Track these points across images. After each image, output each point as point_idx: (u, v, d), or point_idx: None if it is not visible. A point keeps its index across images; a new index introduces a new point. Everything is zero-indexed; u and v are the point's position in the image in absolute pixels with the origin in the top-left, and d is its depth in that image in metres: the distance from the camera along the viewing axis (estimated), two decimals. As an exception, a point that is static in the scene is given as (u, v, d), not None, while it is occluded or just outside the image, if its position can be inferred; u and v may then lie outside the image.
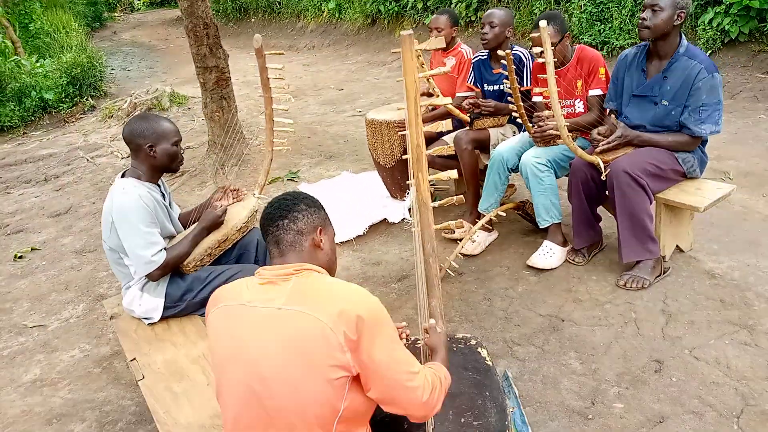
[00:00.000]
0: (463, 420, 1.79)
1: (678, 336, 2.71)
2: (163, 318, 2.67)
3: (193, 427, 2.06)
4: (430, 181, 2.18)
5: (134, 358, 2.46)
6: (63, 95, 9.64)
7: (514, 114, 3.43)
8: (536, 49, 2.86)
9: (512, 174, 3.65)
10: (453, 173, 2.38)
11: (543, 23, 2.80)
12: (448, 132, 3.73)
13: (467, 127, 3.88)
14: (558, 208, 3.40)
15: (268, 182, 5.21)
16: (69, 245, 4.70)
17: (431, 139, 3.87)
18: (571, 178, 3.28)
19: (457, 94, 4.13)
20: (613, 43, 7.10)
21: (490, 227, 3.75)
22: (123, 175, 2.65)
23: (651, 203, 3.07)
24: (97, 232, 4.77)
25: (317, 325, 1.45)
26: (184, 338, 2.56)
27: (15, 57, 10.30)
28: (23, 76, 9.62)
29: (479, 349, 2.10)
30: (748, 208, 3.74)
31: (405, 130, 2.18)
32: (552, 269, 3.35)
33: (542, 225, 3.42)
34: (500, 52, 3.09)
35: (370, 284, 3.53)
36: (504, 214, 3.53)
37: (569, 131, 3.11)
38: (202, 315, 2.66)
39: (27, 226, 5.22)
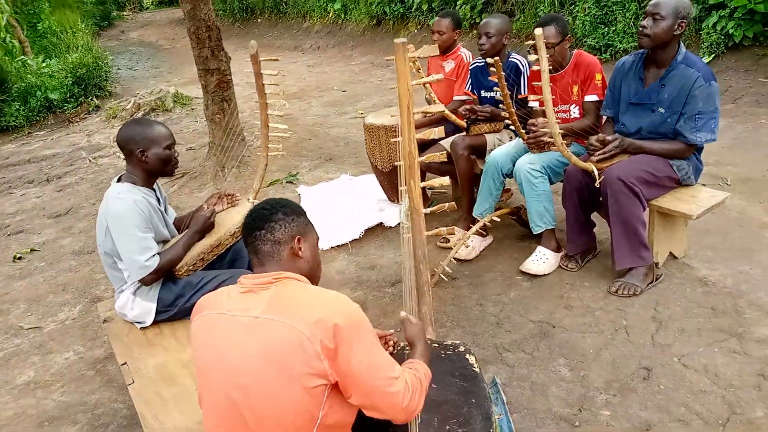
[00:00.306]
0: (448, 428, 1.80)
1: (668, 343, 2.71)
2: (156, 322, 2.68)
3: (180, 431, 2.07)
4: (426, 187, 2.19)
5: (125, 363, 2.48)
6: (68, 95, 9.69)
7: (508, 120, 3.43)
8: (532, 57, 2.86)
9: (507, 179, 3.65)
10: (445, 180, 2.39)
11: (538, 31, 2.80)
12: (442, 138, 3.73)
13: (464, 133, 3.88)
14: (552, 214, 3.40)
15: (267, 185, 5.24)
16: (68, 246, 4.74)
17: (428, 143, 3.87)
18: (566, 185, 3.28)
19: (455, 98, 4.13)
20: (616, 46, 7.09)
21: (485, 232, 3.75)
22: (119, 180, 2.67)
23: (644, 210, 3.07)
24: (96, 234, 4.78)
25: (293, 334, 1.46)
26: (176, 343, 2.58)
27: (22, 57, 10.38)
28: (29, 76, 9.69)
29: (467, 356, 2.10)
30: (744, 215, 3.72)
31: (398, 137, 2.19)
32: (545, 275, 3.35)
33: (536, 231, 3.42)
34: (489, 60, 3.09)
35: (364, 288, 3.54)
36: (498, 219, 3.53)
37: (564, 137, 3.11)
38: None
39: (27, 227, 5.26)
